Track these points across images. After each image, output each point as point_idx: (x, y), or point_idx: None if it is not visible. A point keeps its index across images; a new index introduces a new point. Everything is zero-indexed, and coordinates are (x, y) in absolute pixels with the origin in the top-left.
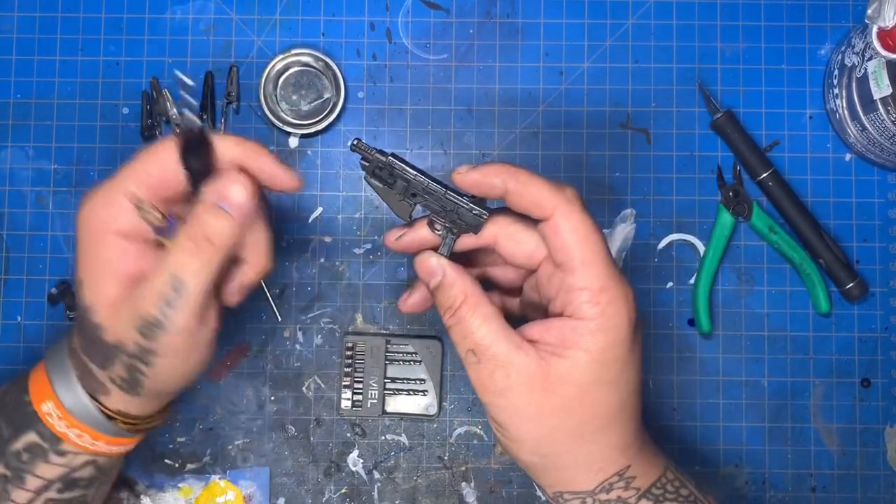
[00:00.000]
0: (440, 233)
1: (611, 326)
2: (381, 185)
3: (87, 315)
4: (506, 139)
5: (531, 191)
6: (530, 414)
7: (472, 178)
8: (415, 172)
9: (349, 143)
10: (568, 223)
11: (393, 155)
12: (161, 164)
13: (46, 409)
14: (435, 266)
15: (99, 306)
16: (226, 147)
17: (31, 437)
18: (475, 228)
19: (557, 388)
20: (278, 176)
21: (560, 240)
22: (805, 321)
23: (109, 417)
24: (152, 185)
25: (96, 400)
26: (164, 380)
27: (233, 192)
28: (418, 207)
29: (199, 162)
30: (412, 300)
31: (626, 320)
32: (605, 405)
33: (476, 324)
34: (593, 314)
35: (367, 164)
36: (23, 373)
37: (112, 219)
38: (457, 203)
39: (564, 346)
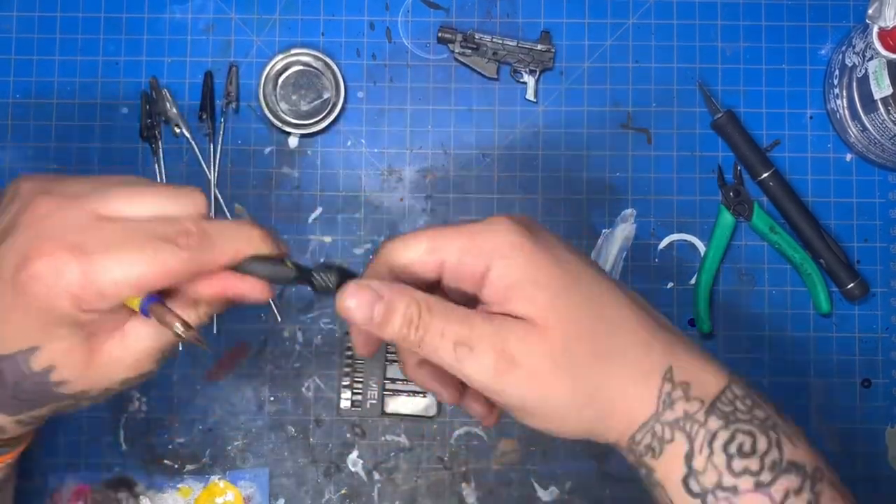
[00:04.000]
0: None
1: (504, 245)
2: None
3: (42, 377)
4: (506, 139)
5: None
6: (548, 367)
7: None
8: None
9: None
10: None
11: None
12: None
13: None
14: (369, 296)
15: (71, 367)
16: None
17: None
18: None
19: (553, 328)
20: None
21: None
22: (806, 321)
23: None
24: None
25: None
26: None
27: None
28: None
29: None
30: (366, 347)
31: (511, 233)
32: (597, 313)
33: (447, 317)
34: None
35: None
36: None
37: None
38: None
39: (514, 296)
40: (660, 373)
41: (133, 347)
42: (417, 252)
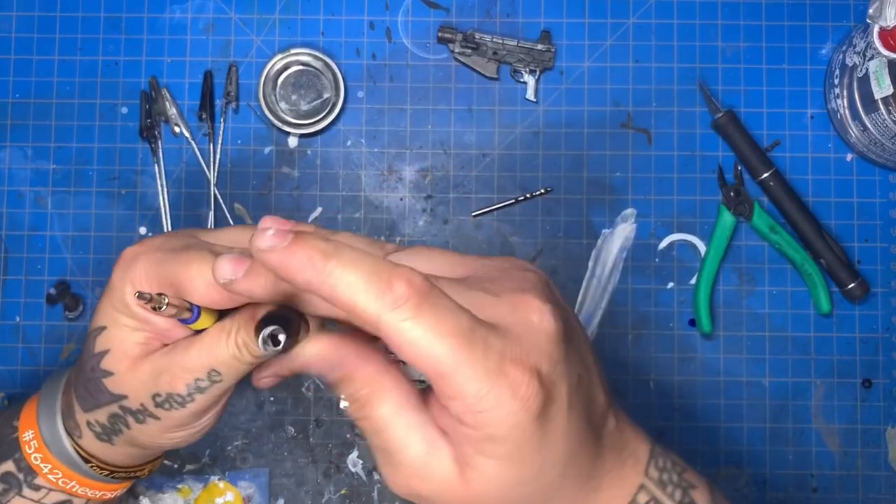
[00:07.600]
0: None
1: (502, 428)
2: None
3: (97, 360)
4: (506, 139)
5: (342, 301)
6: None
7: (274, 261)
8: None
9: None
10: (400, 341)
11: None
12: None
13: (27, 437)
14: (332, 353)
15: (119, 358)
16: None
17: (8, 465)
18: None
19: (475, 498)
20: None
21: (403, 356)
22: (806, 321)
23: (85, 459)
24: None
25: (73, 439)
26: (148, 439)
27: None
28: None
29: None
30: (266, 379)
31: (517, 415)
32: (531, 498)
33: (386, 416)
34: (475, 424)
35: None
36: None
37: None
38: None
39: (472, 450)
40: None
41: (174, 361)
42: None
